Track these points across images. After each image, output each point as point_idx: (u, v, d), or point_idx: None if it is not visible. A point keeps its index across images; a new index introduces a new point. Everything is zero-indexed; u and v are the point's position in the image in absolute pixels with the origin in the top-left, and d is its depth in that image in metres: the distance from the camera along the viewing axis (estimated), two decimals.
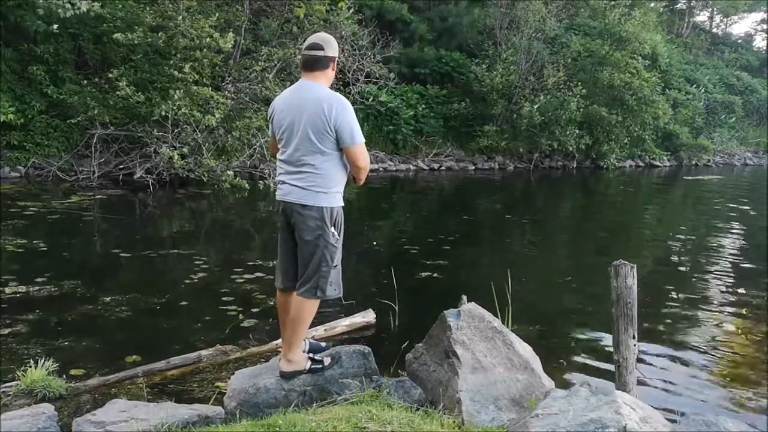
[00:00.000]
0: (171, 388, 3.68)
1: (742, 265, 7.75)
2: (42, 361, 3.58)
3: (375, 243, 8.45)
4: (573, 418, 2.50)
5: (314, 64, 3.12)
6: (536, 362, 3.31)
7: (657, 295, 6.19)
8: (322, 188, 3.05)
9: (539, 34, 19.53)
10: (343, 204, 3.17)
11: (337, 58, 3.21)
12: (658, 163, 22.91)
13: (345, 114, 3.01)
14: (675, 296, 6.28)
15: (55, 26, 11.22)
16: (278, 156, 3.20)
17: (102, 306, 5.11)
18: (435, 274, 6.58)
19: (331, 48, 3.14)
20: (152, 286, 5.86)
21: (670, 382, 4.17)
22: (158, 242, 7.90)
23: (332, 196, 3.10)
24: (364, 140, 3.10)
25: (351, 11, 13.83)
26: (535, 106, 17.84)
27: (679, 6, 34.92)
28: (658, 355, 4.60)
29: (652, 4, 26.45)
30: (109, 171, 12.28)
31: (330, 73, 3.18)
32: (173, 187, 11.83)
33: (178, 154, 11.52)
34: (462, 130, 19.34)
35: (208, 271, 6.34)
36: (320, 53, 3.11)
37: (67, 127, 12.36)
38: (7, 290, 5.34)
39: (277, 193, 3.20)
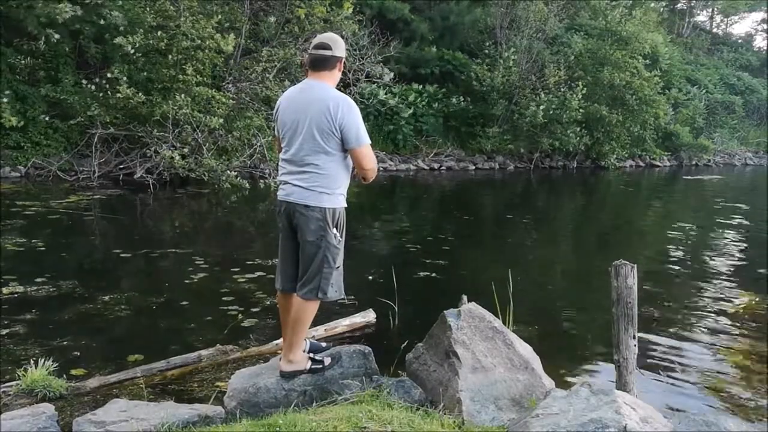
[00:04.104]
0: (171, 388, 3.68)
1: (742, 265, 7.75)
2: (42, 360, 3.58)
3: (375, 243, 8.44)
4: (573, 418, 2.50)
5: (321, 63, 3.11)
6: (536, 362, 3.31)
7: (657, 295, 6.18)
8: (325, 189, 3.04)
9: (540, 34, 19.53)
10: (345, 205, 3.16)
11: (343, 59, 3.20)
12: (658, 163, 22.91)
13: (351, 115, 3.00)
14: (675, 296, 6.28)
15: (57, 36, 11.33)
16: (281, 155, 3.19)
17: (102, 306, 5.10)
18: (435, 274, 6.58)
19: (339, 48, 3.13)
20: (152, 285, 5.86)
21: (670, 382, 4.17)
22: (158, 242, 7.90)
23: (335, 197, 3.08)
24: (369, 142, 3.08)
25: (351, 11, 13.83)
26: (541, 107, 17.83)
27: (679, 6, 34.91)
28: (658, 355, 4.60)
29: (653, 4, 26.44)
30: (110, 171, 12.29)
31: (336, 74, 3.16)
32: (173, 187, 11.83)
33: (178, 155, 11.53)
34: (462, 130, 19.34)
35: (208, 271, 6.34)
36: (328, 53, 3.10)
37: (67, 127, 12.36)
38: (7, 290, 5.33)
39: (278, 192, 3.18)
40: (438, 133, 18.88)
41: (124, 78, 11.71)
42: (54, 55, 12.55)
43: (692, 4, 35.92)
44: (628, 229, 10.85)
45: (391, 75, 15.95)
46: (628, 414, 2.45)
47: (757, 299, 6.20)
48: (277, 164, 3.33)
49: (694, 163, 24.27)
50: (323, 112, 2.98)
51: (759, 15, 39.31)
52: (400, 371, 3.63)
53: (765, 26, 39.29)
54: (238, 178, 11.66)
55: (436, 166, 18.03)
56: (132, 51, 11.57)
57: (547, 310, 5.72)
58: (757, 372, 4.40)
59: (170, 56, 11.90)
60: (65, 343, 4.32)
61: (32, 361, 3.60)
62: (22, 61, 12.23)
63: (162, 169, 11.80)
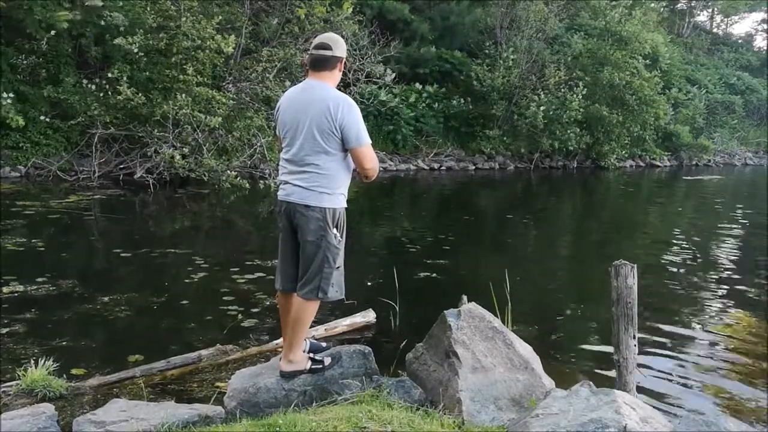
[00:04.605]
0: (171, 388, 3.68)
1: (742, 265, 7.74)
2: (42, 360, 3.58)
3: (375, 243, 8.44)
4: (573, 418, 2.50)
5: (321, 63, 3.11)
6: (536, 362, 3.31)
7: (657, 295, 6.18)
8: (325, 189, 3.04)
9: (540, 34, 19.54)
10: (346, 206, 3.16)
11: (344, 59, 3.20)
12: (658, 163, 22.91)
13: (351, 115, 3.00)
14: (675, 296, 6.28)
15: (52, 32, 11.34)
16: (282, 155, 3.19)
17: (102, 306, 5.10)
18: (435, 274, 6.57)
19: (339, 48, 3.13)
20: (152, 285, 5.86)
21: (670, 382, 4.17)
22: (158, 242, 7.90)
23: (336, 197, 3.08)
24: (370, 141, 3.08)
25: (351, 11, 13.84)
26: (541, 108, 17.82)
27: (679, 6, 34.90)
28: (658, 355, 4.60)
29: (653, 4, 26.43)
30: (110, 171, 12.30)
31: (337, 74, 3.17)
32: (173, 187, 11.84)
33: (179, 154, 11.53)
34: (462, 130, 19.34)
35: (208, 271, 6.34)
36: (328, 53, 3.10)
37: (67, 127, 12.36)
38: (7, 290, 5.33)
39: (279, 192, 3.18)
40: (438, 133, 18.88)
41: (125, 78, 11.72)
42: (55, 55, 12.55)
43: (692, 4, 35.90)
44: (628, 230, 10.85)
45: (393, 75, 15.97)
46: (628, 414, 2.45)
47: (758, 299, 6.20)
48: (278, 164, 3.32)
49: (694, 163, 24.27)
50: (323, 112, 2.98)
51: (759, 15, 39.34)
52: (400, 371, 3.63)
53: (765, 26, 39.31)
54: (238, 178, 11.67)
55: (436, 166, 18.04)
56: (137, 51, 11.59)
57: (547, 310, 5.72)
58: (758, 372, 4.40)
59: (173, 58, 11.91)
60: (65, 343, 4.32)
61: (32, 361, 3.60)
62: (24, 62, 12.23)
63: (162, 169, 11.81)
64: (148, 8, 12.22)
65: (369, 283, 6.11)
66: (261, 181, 12.50)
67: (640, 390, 3.55)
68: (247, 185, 11.88)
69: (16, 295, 5.26)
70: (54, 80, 12.49)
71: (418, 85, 18.82)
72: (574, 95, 18.19)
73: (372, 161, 3.09)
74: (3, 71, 11.89)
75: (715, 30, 38.86)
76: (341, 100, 3.02)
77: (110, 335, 4.62)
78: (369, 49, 15.18)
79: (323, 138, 3.00)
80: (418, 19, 19.13)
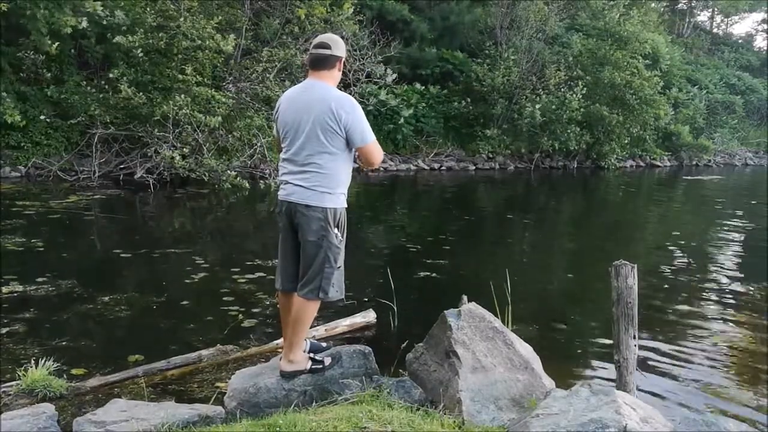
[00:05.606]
0: (171, 388, 3.68)
1: (742, 265, 7.74)
2: (42, 360, 3.58)
3: (375, 243, 8.44)
4: (573, 418, 2.50)
5: (321, 62, 3.12)
6: (536, 362, 3.31)
7: (657, 295, 6.18)
8: (326, 189, 3.04)
9: (540, 34, 19.54)
10: (346, 205, 3.17)
11: (343, 59, 3.21)
12: (658, 163, 22.90)
13: (355, 114, 3.02)
14: (675, 296, 6.28)
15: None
16: (282, 155, 3.20)
17: (102, 306, 5.10)
18: (435, 274, 6.57)
19: (338, 48, 3.14)
20: (152, 285, 5.86)
21: (670, 382, 4.17)
22: (158, 242, 7.90)
23: (336, 197, 3.09)
24: (374, 138, 3.12)
25: (351, 11, 13.85)
26: (537, 106, 17.83)
27: (679, 6, 34.91)
28: (658, 355, 4.60)
29: (653, 5, 26.41)
30: (110, 171, 12.29)
31: (336, 74, 3.18)
32: (174, 187, 11.83)
33: (179, 155, 11.53)
34: (463, 130, 19.33)
35: (208, 271, 6.34)
36: (327, 52, 3.11)
37: (67, 126, 12.36)
38: (7, 290, 5.33)
39: (279, 192, 3.18)
40: (438, 133, 18.88)
41: (125, 79, 11.71)
42: (57, 54, 12.53)
43: (692, 5, 35.91)
44: (628, 230, 10.84)
45: (394, 76, 15.96)
46: (628, 414, 2.45)
47: (758, 300, 6.20)
48: (278, 164, 3.33)
49: (694, 163, 24.26)
50: (326, 112, 2.98)
51: (759, 15, 39.33)
52: (400, 371, 3.63)
53: (765, 26, 39.31)
54: (238, 179, 11.67)
55: (436, 166, 18.03)
56: (140, 53, 11.58)
57: (547, 310, 5.72)
58: (758, 372, 4.40)
59: (174, 58, 11.90)
60: (65, 343, 4.32)
61: (32, 361, 3.60)
62: (30, 59, 12.20)
63: (162, 169, 11.81)
64: (148, 8, 12.21)
65: (369, 283, 6.10)
66: (261, 181, 12.50)
67: (640, 390, 3.55)
68: (248, 185, 11.88)
69: (16, 295, 5.26)
70: (57, 80, 12.48)
71: (419, 86, 18.80)
72: (574, 95, 18.18)
73: (378, 157, 3.18)
74: (3, 71, 11.87)
75: (715, 30, 38.87)
76: (344, 99, 3.02)
77: (110, 335, 4.62)
78: (369, 50, 15.18)
79: (327, 138, 3.01)
80: (417, 19, 19.12)
